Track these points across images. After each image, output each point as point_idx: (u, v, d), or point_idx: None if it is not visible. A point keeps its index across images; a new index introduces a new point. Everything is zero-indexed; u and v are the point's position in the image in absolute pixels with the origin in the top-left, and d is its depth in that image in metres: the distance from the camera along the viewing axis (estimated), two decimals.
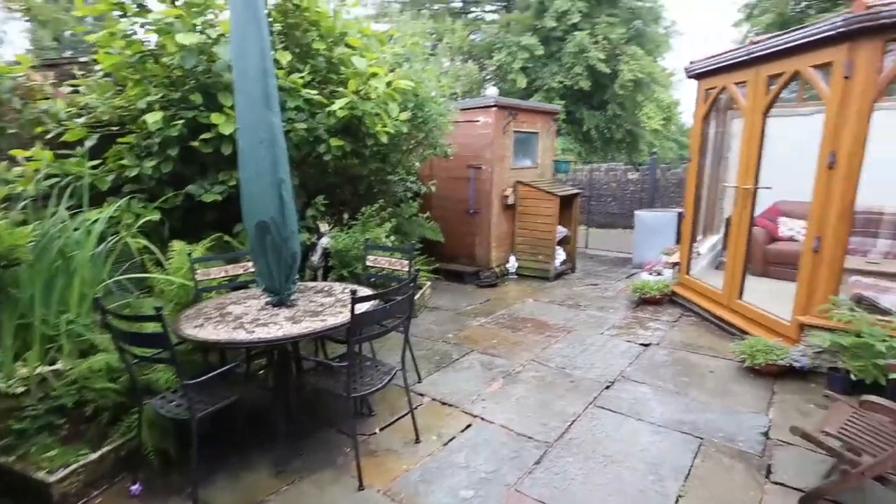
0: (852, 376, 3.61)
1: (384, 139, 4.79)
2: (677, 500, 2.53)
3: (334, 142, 4.52)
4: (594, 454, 2.92)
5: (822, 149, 3.93)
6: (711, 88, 5.48)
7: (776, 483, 2.67)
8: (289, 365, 3.08)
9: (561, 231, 7.47)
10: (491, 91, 7.19)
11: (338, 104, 4.34)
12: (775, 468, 2.79)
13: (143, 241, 3.66)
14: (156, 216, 3.91)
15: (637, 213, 8.35)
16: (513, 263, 7.41)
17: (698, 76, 5.67)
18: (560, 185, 7.96)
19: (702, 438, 3.07)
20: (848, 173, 3.78)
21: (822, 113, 6.44)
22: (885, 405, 2.28)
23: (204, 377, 2.54)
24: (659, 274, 6.20)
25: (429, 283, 6.07)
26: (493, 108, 6.76)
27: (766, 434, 3.13)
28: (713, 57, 5.26)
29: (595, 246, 9.84)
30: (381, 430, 3.24)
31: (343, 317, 2.78)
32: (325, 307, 3.03)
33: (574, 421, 3.29)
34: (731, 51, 5.02)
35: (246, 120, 2.81)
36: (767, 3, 17.42)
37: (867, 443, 2.50)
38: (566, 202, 7.52)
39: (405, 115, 4.99)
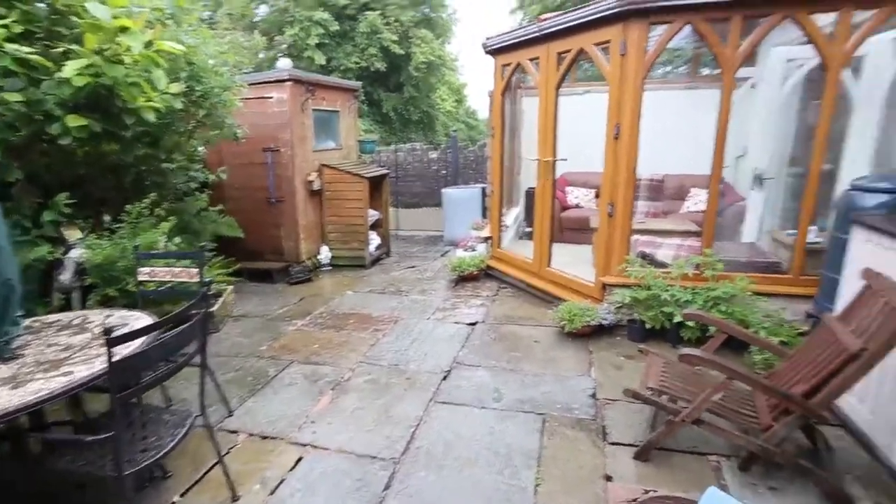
0: (646, 325, 4.06)
1: (151, 117, 3.75)
2: (536, 489, 2.42)
3: (73, 120, 3.37)
4: (446, 460, 2.67)
5: (609, 121, 4.25)
6: (507, 65, 5.62)
7: (613, 444, 2.77)
8: (22, 448, 2.12)
9: (373, 214, 7.13)
10: (283, 63, 6.28)
11: (70, 67, 3.20)
12: (609, 429, 2.90)
13: None
14: None
15: (444, 190, 8.47)
16: (325, 254, 6.84)
17: (494, 52, 5.77)
18: (367, 166, 7.58)
19: (543, 414, 3.06)
20: (630, 143, 4.16)
21: (591, 93, 7.39)
22: (703, 357, 2.47)
23: None
24: (473, 250, 6.32)
25: (230, 288, 5.15)
26: (289, 83, 6.01)
27: (593, 395, 3.28)
28: (508, 33, 5.37)
29: (405, 227, 9.81)
30: (183, 495, 2.47)
31: (101, 362, 1.98)
32: (74, 351, 2.15)
33: (418, 425, 2.99)
34: (524, 27, 5.18)
35: None
36: None
37: (680, 389, 2.74)
38: (375, 184, 7.19)
39: (177, 88, 3.98)
